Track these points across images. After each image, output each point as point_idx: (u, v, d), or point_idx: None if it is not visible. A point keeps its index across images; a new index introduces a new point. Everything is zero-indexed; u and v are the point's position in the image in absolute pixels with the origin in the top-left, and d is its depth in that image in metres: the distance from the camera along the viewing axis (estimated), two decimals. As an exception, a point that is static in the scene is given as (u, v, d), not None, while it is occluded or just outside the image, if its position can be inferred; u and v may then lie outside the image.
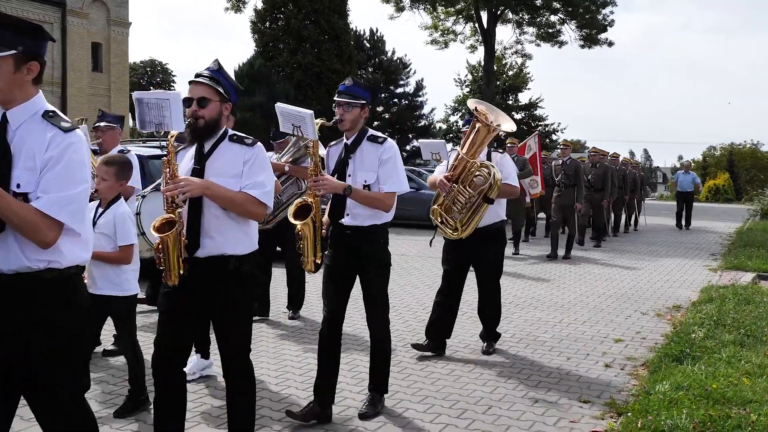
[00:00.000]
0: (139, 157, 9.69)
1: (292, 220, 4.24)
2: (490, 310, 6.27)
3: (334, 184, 4.29)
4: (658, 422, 4.13)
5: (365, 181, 4.40)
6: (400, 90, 47.85)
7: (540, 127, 47.17)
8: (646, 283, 9.97)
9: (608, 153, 16.86)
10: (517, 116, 48.92)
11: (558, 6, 35.99)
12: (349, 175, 4.44)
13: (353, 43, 37.10)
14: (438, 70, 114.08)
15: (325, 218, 4.54)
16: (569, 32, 37.46)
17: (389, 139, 4.50)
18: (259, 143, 3.60)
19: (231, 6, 35.72)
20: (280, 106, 4.30)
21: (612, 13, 36.17)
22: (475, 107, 5.66)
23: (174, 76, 67.58)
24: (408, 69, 47.84)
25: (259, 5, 34.44)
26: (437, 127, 49.24)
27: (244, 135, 3.62)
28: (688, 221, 19.86)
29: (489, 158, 5.89)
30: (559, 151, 16.56)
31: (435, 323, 6.11)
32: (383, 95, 46.50)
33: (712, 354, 5.64)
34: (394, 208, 4.52)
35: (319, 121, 4.29)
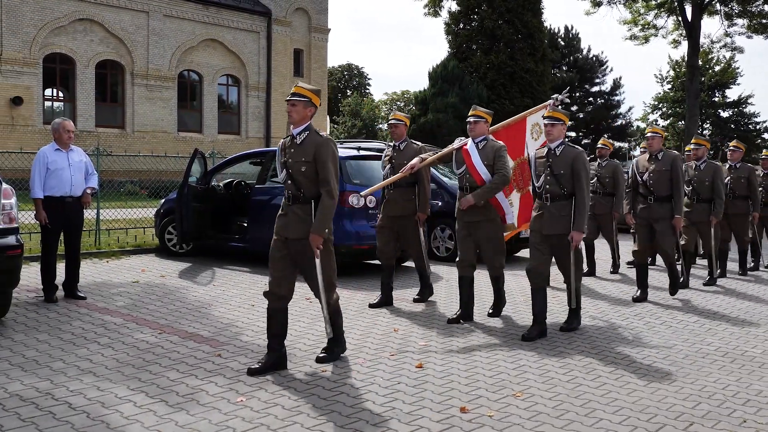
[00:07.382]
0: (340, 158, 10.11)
1: None
2: None
3: None
4: None
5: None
6: (595, 89, 46.57)
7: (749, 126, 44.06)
8: None
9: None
10: (724, 114, 45.98)
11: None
12: None
13: (547, 41, 36.50)
14: (637, 66, 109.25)
15: None
16: (786, 23, 34.58)
17: None
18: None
19: (429, 11, 36.57)
20: None
21: None
22: None
23: (369, 79, 69.92)
24: (604, 67, 46.46)
25: (454, 7, 34.89)
26: (635, 126, 47.35)
27: None
28: None
29: None
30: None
31: None
32: (578, 94, 45.41)
33: None
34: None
35: None
